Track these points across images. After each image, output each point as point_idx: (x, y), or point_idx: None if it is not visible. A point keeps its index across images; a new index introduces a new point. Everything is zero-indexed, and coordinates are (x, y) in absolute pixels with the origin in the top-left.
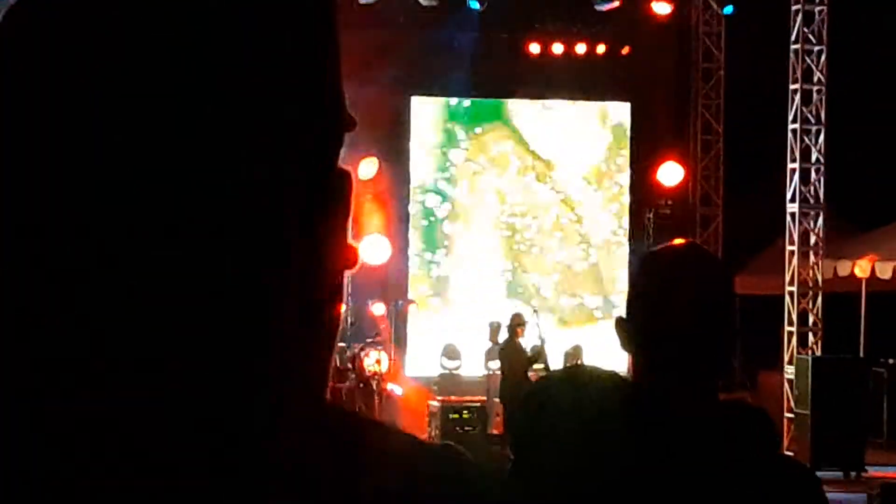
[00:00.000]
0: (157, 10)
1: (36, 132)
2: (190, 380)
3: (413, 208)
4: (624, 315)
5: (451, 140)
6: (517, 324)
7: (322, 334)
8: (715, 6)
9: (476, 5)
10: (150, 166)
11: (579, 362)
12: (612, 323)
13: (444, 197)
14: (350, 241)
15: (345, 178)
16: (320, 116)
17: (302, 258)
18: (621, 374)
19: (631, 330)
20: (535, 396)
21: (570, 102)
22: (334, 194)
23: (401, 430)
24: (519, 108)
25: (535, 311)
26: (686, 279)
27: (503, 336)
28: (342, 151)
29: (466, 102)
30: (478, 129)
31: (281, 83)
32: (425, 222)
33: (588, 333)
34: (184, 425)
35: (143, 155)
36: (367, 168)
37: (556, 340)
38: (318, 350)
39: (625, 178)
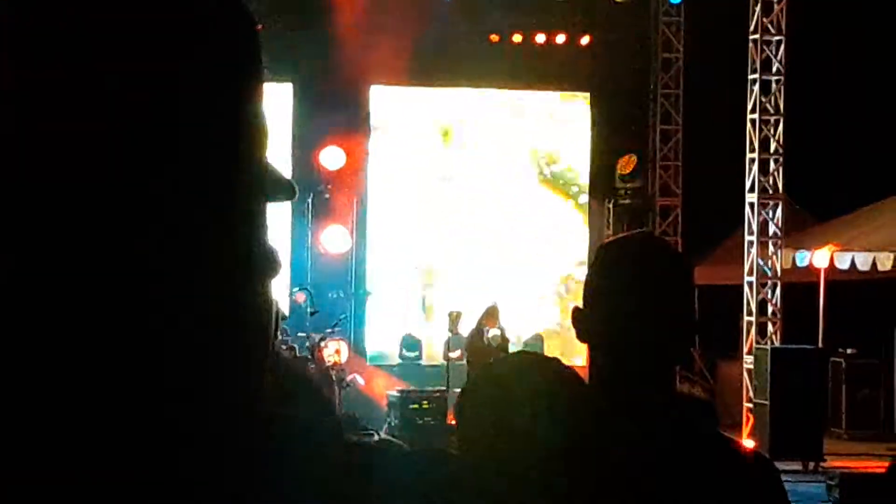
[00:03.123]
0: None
1: None
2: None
3: (372, 196)
4: (580, 305)
5: (412, 129)
6: (488, 314)
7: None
8: None
9: None
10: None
11: (539, 353)
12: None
13: (405, 186)
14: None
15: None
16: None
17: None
18: (562, 361)
19: (587, 320)
20: (472, 386)
21: (531, 92)
22: (256, 188)
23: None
24: (474, 97)
25: (494, 303)
26: (642, 270)
27: (462, 325)
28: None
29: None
30: (442, 119)
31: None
32: (386, 210)
33: (550, 322)
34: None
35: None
36: (331, 158)
37: (518, 330)
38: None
39: (585, 167)
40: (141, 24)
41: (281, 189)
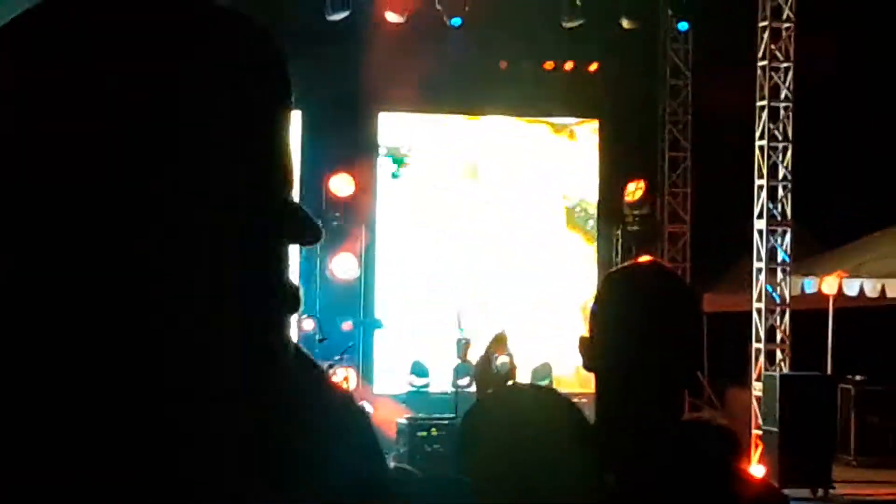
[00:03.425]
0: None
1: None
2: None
3: (381, 224)
4: (586, 334)
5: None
6: (496, 341)
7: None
8: (670, 23)
9: (458, 22)
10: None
11: (548, 382)
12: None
13: (413, 213)
14: (291, 281)
15: (293, 210)
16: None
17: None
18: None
19: (593, 349)
20: (468, 419)
21: (539, 120)
22: (282, 226)
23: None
24: (489, 126)
25: (503, 331)
26: (647, 298)
27: (472, 353)
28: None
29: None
30: (447, 146)
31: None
32: (395, 238)
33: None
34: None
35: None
36: (340, 185)
37: (527, 357)
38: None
39: (593, 194)
40: (172, 57)
41: (309, 231)
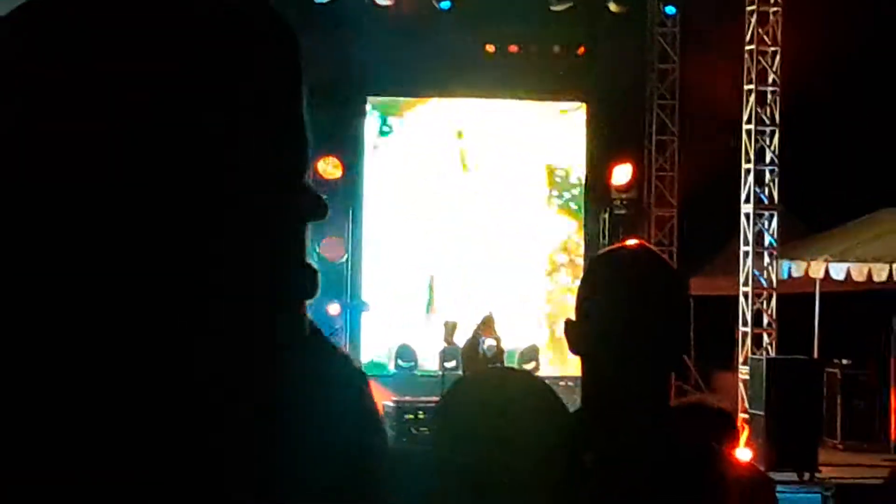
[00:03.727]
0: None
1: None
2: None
3: (368, 206)
4: (573, 317)
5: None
6: (483, 324)
7: None
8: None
9: (447, 5)
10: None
11: (534, 364)
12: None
13: (400, 196)
14: (310, 264)
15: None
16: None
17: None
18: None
19: (579, 332)
20: (445, 396)
21: (527, 102)
22: (303, 211)
23: None
24: (473, 108)
25: (490, 313)
26: (634, 281)
27: (458, 335)
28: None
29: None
30: (431, 128)
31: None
32: (382, 220)
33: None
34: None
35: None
36: (329, 169)
37: (514, 339)
38: None
39: (580, 178)
40: (193, 45)
41: (317, 208)
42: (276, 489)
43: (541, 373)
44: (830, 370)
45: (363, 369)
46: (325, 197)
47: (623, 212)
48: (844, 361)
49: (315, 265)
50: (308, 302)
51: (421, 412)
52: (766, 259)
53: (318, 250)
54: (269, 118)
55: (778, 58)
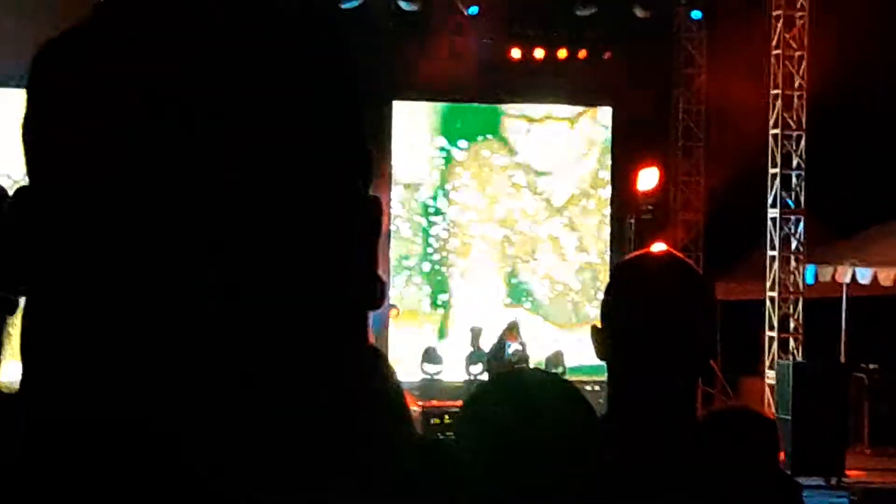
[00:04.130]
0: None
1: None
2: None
3: (395, 211)
4: (598, 323)
5: (439, 147)
6: (508, 330)
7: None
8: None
9: (475, 10)
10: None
11: (560, 370)
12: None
13: (434, 207)
14: (379, 275)
15: (377, 205)
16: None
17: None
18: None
19: (605, 338)
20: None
21: (553, 107)
22: (369, 221)
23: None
24: (509, 121)
25: (516, 318)
26: (659, 287)
27: (484, 341)
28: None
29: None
30: (464, 140)
31: (314, 122)
32: (413, 229)
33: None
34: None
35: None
36: None
37: (540, 346)
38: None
39: (607, 182)
40: (262, 61)
41: (380, 216)
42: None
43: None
44: (857, 375)
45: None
46: None
47: (649, 217)
48: (871, 366)
49: (383, 278)
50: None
51: (447, 416)
52: (793, 263)
53: None
54: (327, 123)
55: (804, 62)
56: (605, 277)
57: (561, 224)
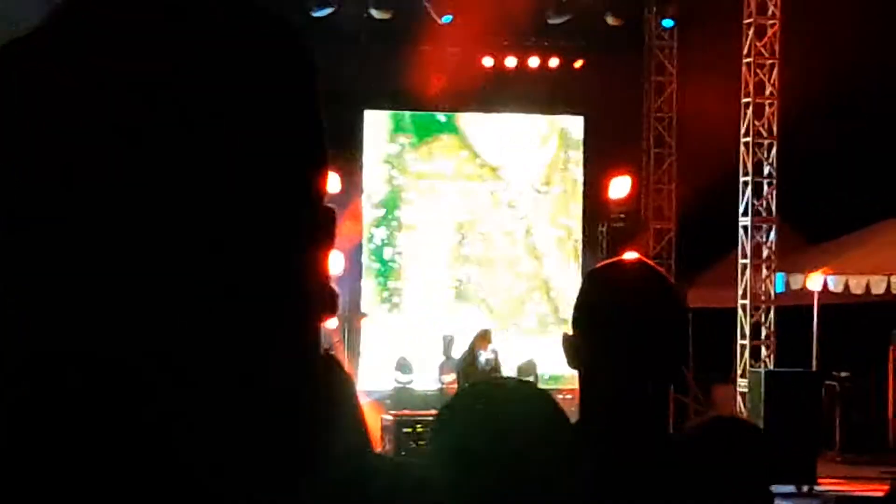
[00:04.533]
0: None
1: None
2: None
3: (365, 221)
4: (570, 331)
5: (400, 152)
6: (480, 338)
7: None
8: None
9: (449, 19)
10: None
11: (532, 378)
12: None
13: (393, 210)
14: (332, 285)
15: (331, 215)
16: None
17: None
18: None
19: (577, 346)
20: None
21: (524, 115)
22: (321, 230)
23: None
24: (470, 120)
25: (488, 328)
26: (631, 295)
27: (456, 349)
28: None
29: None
30: (427, 140)
31: (270, 129)
32: (377, 236)
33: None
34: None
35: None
36: (328, 183)
37: (510, 353)
38: None
39: (577, 190)
40: (202, 47)
41: (332, 223)
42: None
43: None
44: (829, 382)
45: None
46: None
47: (621, 224)
48: (843, 374)
49: (335, 289)
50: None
51: (419, 426)
52: (764, 271)
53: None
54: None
55: (776, 70)
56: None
57: (532, 229)
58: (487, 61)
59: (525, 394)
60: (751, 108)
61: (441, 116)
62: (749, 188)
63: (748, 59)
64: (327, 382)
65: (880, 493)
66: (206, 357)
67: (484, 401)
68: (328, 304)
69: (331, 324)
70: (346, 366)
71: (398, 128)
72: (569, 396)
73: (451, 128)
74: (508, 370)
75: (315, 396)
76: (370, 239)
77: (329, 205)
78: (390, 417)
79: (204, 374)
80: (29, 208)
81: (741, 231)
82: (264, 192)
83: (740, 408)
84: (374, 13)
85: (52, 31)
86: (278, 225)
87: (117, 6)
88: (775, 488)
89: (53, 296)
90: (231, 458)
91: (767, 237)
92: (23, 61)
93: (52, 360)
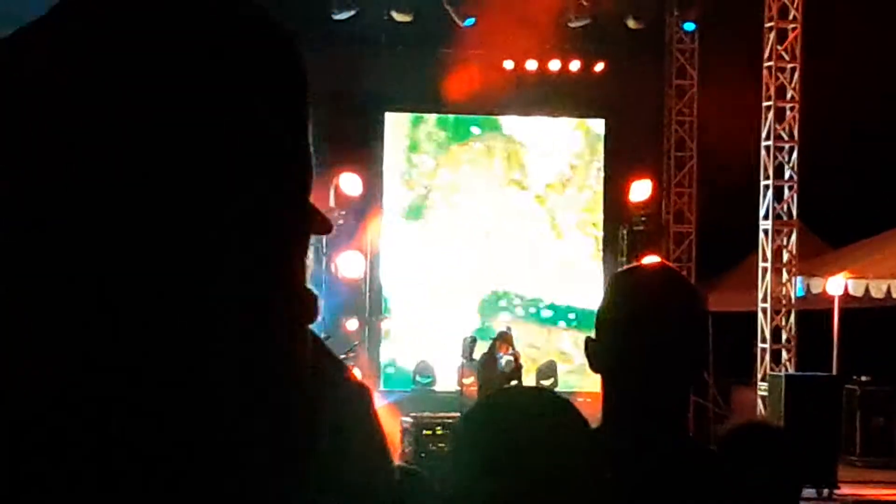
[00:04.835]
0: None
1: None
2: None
3: (387, 223)
4: (593, 335)
5: (426, 153)
6: (499, 339)
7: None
8: (676, 23)
9: (471, 22)
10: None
11: (553, 380)
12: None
13: (417, 211)
14: (310, 289)
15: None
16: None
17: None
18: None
19: (599, 351)
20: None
21: (545, 118)
22: (300, 232)
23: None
24: (498, 123)
25: (508, 328)
26: (654, 301)
27: (477, 351)
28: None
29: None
30: (450, 143)
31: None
32: (399, 237)
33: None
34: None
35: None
36: (349, 184)
37: (531, 356)
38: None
39: (598, 193)
40: (196, 70)
41: (318, 224)
42: None
43: (559, 388)
44: (849, 387)
45: (368, 387)
46: (343, 213)
47: (641, 228)
48: (864, 378)
49: (314, 293)
50: (306, 328)
51: (439, 428)
52: (785, 275)
53: (333, 266)
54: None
55: (797, 74)
56: (597, 290)
57: (555, 233)
58: (508, 64)
59: (544, 403)
60: (772, 111)
61: (473, 121)
62: (770, 192)
63: (769, 63)
64: (329, 394)
65: None
66: (193, 360)
67: (503, 413)
68: (308, 309)
69: (352, 325)
70: (367, 367)
71: (418, 129)
72: (588, 400)
73: (487, 126)
74: (528, 372)
75: (299, 400)
76: (392, 241)
77: (311, 205)
78: (410, 420)
79: (188, 376)
80: (27, 208)
81: (762, 234)
82: (247, 193)
83: (760, 412)
84: (396, 16)
85: (50, 30)
86: (259, 227)
87: (114, 6)
88: None
89: (53, 296)
90: (216, 458)
91: (788, 241)
92: (20, 60)
93: (52, 360)
